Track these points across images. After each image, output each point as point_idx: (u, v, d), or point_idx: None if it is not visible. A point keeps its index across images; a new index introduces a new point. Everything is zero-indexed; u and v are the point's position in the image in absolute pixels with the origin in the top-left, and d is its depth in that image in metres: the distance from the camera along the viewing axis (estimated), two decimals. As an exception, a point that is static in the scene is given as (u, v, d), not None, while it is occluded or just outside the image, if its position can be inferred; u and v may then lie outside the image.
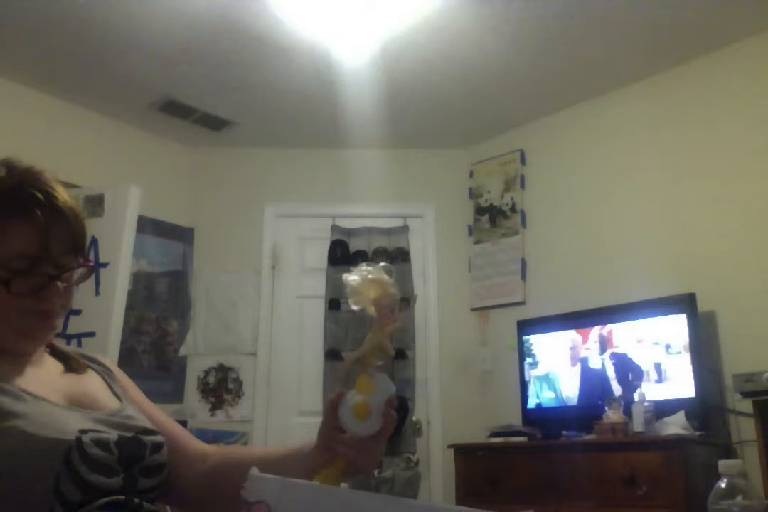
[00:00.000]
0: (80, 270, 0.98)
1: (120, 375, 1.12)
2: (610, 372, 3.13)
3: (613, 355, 3.14)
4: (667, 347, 2.95)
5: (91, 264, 0.99)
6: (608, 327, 3.18)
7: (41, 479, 0.81)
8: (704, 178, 3.21)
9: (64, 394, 0.96)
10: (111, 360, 1.16)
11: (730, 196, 3.12)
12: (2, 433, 0.82)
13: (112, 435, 0.91)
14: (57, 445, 0.84)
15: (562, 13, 2.99)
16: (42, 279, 0.92)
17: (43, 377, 0.97)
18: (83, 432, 0.88)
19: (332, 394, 0.83)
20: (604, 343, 3.19)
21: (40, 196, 0.92)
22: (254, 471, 0.72)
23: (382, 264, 0.84)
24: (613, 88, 3.60)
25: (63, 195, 0.95)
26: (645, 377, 2.99)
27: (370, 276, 0.82)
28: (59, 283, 0.93)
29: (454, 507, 0.73)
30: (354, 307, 0.83)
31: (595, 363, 3.21)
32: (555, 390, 3.31)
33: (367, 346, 0.81)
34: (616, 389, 3.07)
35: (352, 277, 0.82)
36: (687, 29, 3.12)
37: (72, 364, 1.04)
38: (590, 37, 3.16)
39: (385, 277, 0.82)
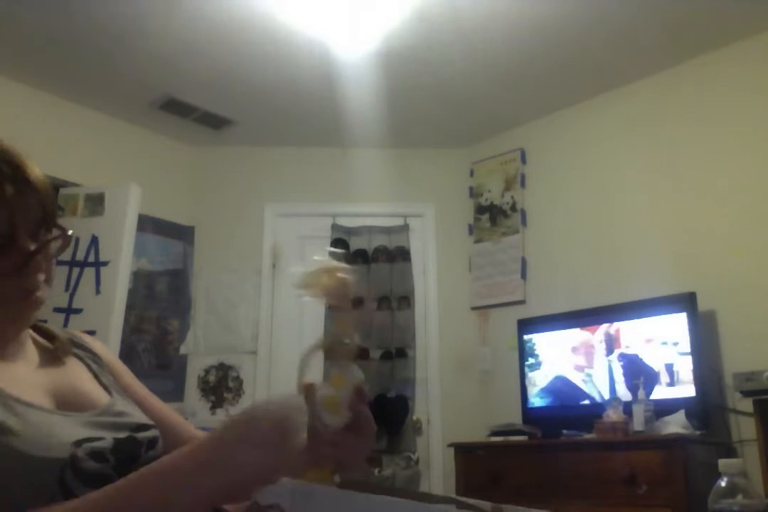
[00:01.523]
0: (58, 242, 0.92)
1: (109, 358, 1.07)
2: (618, 375, 3.08)
3: (623, 356, 3.11)
4: (675, 346, 2.92)
5: (68, 232, 0.93)
6: (615, 325, 3.15)
7: (34, 498, 0.77)
8: (705, 178, 3.21)
9: (49, 391, 0.91)
10: (101, 343, 1.10)
11: (730, 195, 3.11)
12: None
13: (107, 441, 0.87)
14: (51, 464, 0.80)
15: (562, 12, 2.98)
16: (22, 256, 0.86)
17: (25, 372, 0.92)
18: (77, 444, 0.83)
19: (302, 387, 0.80)
20: (611, 343, 3.15)
21: (6, 168, 0.87)
22: None
23: (330, 249, 0.81)
24: (613, 87, 3.59)
25: (29, 165, 0.90)
26: (657, 380, 2.93)
27: (319, 265, 0.79)
28: (39, 257, 0.88)
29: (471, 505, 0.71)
30: (307, 299, 0.79)
31: (601, 364, 3.18)
32: (595, 389, 3.21)
33: (330, 340, 0.78)
34: (625, 393, 2.99)
35: (299, 268, 0.79)
36: (687, 28, 3.12)
37: (57, 346, 0.99)
38: (590, 36, 3.16)
39: (335, 263, 0.79)
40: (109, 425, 0.91)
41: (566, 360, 3.31)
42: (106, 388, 1.00)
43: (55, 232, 0.93)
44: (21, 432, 0.81)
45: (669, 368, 2.93)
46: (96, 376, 1.01)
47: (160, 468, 0.72)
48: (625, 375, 3.06)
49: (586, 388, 3.22)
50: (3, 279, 0.86)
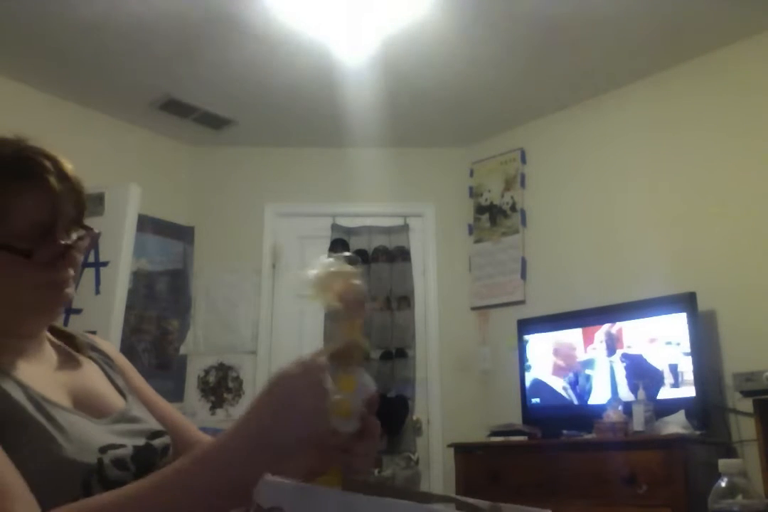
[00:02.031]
0: (87, 240, 0.94)
1: (120, 360, 1.07)
2: (620, 376, 3.06)
3: (626, 356, 3.09)
4: (678, 346, 2.91)
5: (96, 231, 0.95)
6: (616, 325, 3.14)
7: (56, 499, 0.76)
8: (705, 178, 3.21)
9: (68, 392, 0.92)
10: (111, 344, 1.11)
11: (730, 195, 3.11)
12: (30, 454, 0.77)
13: (128, 449, 0.88)
14: (80, 468, 0.80)
15: (562, 13, 2.98)
16: (60, 248, 0.88)
17: (45, 372, 0.92)
18: (103, 450, 0.84)
19: None
20: (612, 343, 3.13)
21: (48, 164, 0.89)
22: (267, 475, 0.68)
23: (345, 254, 0.79)
24: (613, 87, 3.59)
25: (65, 162, 0.93)
26: (662, 380, 2.91)
27: (331, 269, 0.77)
28: (73, 252, 0.90)
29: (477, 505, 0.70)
30: (317, 303, 0.78)
31: (602, 364, 3.16)
32: (574, 394, 3.21)
33: (342, 345, 0.77)
34: (627, 393, 2.98)
35: (312, 272, 0.77)
36: (687, 29, 3.12)
37: (77, 346, 1.00)
38: (590, 36, 3.16)
39: (349, 268, 0.78)
40: (127, 432, 0.92)
41: (547, 363, 3.32)
42: (120, 392, 1.01)
43: (81, 232, 0.94)
44: (53, 432, 0.81)
45: (673, 368, 2.92)
46: (110, 379, 1.02)
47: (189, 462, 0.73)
48: (627, 375, 3.05)
49: (566, 394, 3.22)
50: (37, 269, 0.86)
